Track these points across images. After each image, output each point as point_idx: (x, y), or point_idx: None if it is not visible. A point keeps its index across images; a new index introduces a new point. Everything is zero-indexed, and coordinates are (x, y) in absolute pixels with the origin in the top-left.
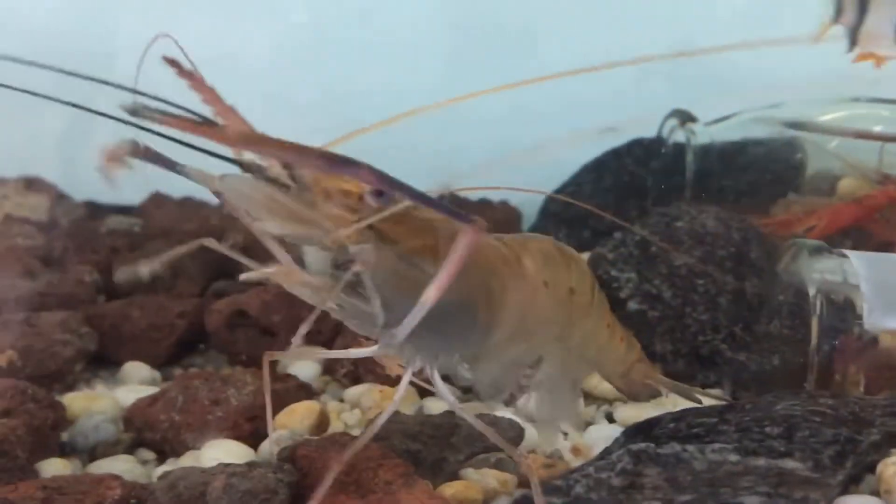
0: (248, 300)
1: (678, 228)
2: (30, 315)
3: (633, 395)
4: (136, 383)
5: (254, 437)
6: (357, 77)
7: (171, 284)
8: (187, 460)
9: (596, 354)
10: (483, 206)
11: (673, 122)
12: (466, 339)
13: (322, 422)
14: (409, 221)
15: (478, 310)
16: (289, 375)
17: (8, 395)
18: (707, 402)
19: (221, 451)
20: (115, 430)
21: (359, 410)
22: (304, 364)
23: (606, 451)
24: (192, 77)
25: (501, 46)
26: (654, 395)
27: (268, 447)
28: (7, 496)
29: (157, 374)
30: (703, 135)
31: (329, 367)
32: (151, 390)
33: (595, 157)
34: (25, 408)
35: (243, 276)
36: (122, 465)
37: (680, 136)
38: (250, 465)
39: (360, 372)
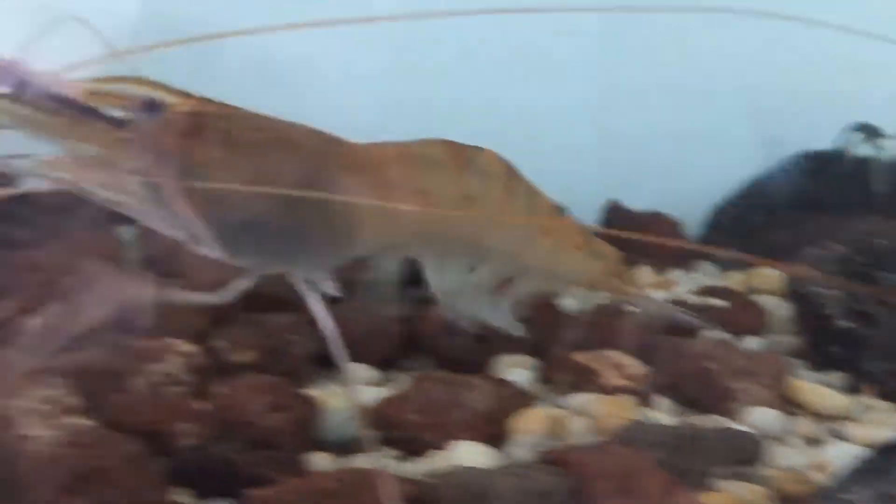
0: None
1: (881, 245)
2: (261, 316)
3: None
4: (362, 383)
5: (494, 440)
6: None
7: (365, 288)
8: (436, 460)
9: (540, 262)
10: (640, 216)
11: (855, 135)
12: (315, 253)
13: (556, 428)
14: (205, 135)
15: (313, 223)
16: (505, 381)
17: (274, 391)
18: None
19: (470, 452)
20: (359, 427)
21: (586, 419)
22: (521, 371)
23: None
24: None
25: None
26: None
27: (519, 449)
28: (303, 486)
29: (380, 376)
30: (893, 149)
31: (547, 375)
32: (377, 390)
33: (760, 170)
34: (289, 403)
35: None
36: (379, 461)
37: (864, 150)
38: (528, 467)
39: (581, 381)
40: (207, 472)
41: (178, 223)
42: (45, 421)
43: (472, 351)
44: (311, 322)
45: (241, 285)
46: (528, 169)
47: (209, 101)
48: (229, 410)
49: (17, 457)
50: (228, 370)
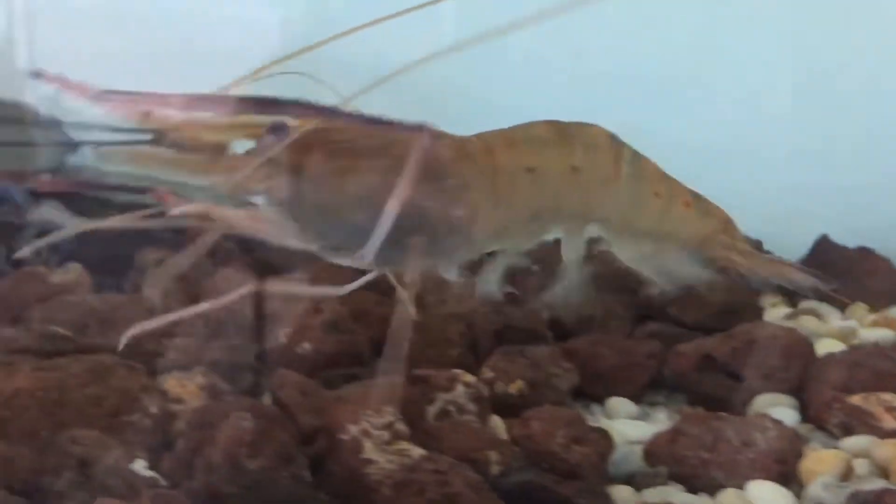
0: (717, 345)
1: None
2: (519, 348)
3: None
4: (623, 417)
5: (784, 480)
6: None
7: (604, 324)
8: (729, 497)
9: (654, 225)
10: (850, 253)
11: None
12: (440, 245)
13: (848, 470)
14: (323, 146)
15: (432, 218)
16: (779, 421)
17: (570, 424)
18: None
19: (767, 492)
20: (641, 461)
21: (868, 461)
22: (784, 411)
23: None
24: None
25: None
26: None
27: (817, 490)
28: None
29: (642, 410)
30: None
31: (814, 416)
32: (642, 425)
33: None
34: (587, 436)
35: (175, 211)
36: (680, 497)
37: None
38: None
39: (854, 423)
40: (531, 501)
41: (312, 237)
42: (383, 446)
43: (728, 388)
44: (568, 354)
45: (363, 281)
46: (730, 204)
47: (331, 111)
48: (531, 441)
49: (367, 481)
50: (499, 401)
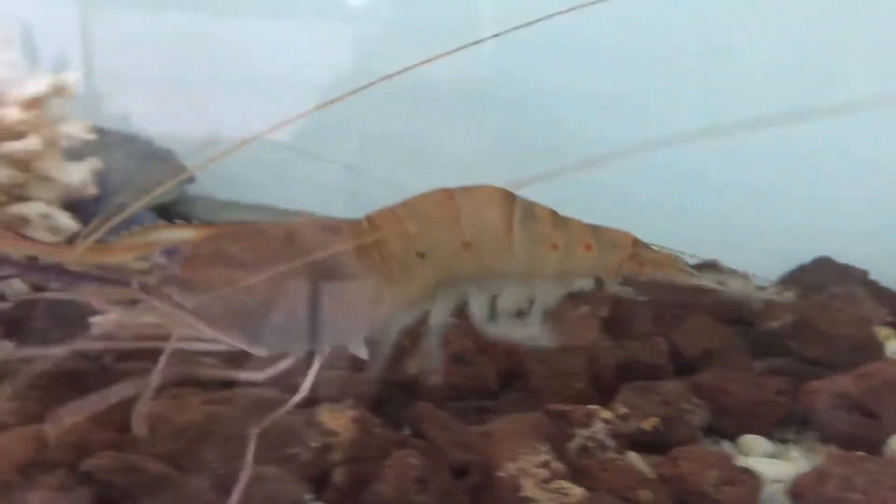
0: (851, 383)
1: None
2: (652, 383)
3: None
4: (759, 455)
5: None
6: None
7: (725, 358)
8: None
9: (557, 271)
10: None
11: None
12: (344, 331)
13: None
14: (222, 259)
15: (338, 307)
16: None
17: (718, 464)
18: None
19: None
20: (787, 502)
21: None
22: None
23: None
24: None
25: None
26: None
27: None
28: None
29: (778, 449)
30: None
31: None
32: (780, 464)
33: None
34: (736, 476)
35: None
36: None
37: None
38: None
39: None
40: None
41: (224, 342)
42: (543, 485)
43: (863, 427)
44: (695, 389)
45: (283, 365)
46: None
47: (224, 224)
48: (681, 481)
49: None
50: (633, 437)
